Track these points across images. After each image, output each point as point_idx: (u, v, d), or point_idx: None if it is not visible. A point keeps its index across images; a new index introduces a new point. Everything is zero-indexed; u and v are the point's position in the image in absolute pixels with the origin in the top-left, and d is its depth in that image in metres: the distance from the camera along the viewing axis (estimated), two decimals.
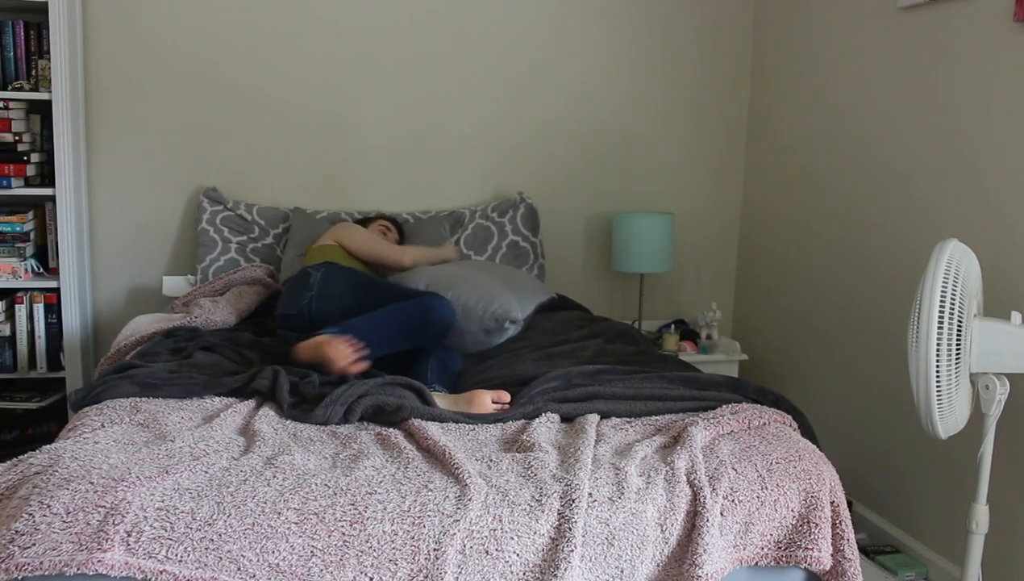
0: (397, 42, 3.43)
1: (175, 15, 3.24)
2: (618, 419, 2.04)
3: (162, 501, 1.56)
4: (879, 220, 2.89)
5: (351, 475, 1.69)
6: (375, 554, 1.57)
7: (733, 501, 1.75)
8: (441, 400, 2.16)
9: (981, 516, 2.06)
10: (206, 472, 1.67)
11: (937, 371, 1.88)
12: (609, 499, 1.69)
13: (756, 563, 1.78)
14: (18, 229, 3.06)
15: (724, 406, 2.06)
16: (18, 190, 3.03)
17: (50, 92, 3.00)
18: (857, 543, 1.91)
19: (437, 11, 3.44)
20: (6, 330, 3.08)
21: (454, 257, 3.08)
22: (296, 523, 1.57)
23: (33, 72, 3.07)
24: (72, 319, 3.12)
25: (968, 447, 2.46)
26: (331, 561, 1.56)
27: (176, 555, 1.51)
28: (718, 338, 3.58)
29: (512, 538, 1.62)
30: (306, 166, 3.42)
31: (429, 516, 1.61)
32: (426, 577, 1.57)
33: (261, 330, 2.71)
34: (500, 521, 1.63)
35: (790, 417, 2.09)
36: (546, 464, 1.76)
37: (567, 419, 2.05)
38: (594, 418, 2.00)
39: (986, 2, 2.43)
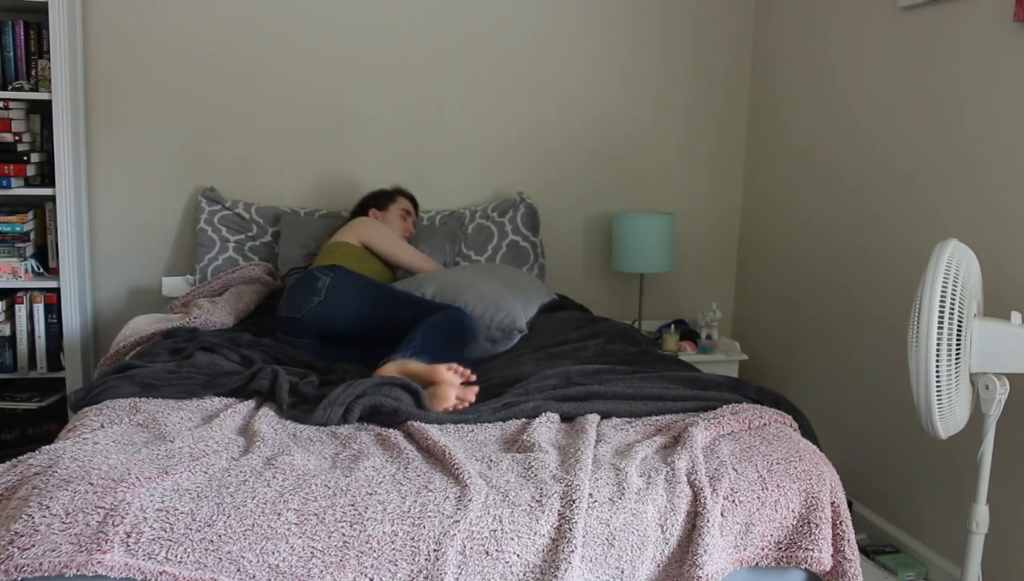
0: (396, 43, 3.43)
1: (175, 15, 3.24)
2: (618, 419, 2.03)
3: (162, 502, 1.56)
4: (879, 220, 2.89)
5: (351, 476, 1.69)
6: (375, 555, 1.57)
7: (733, 501, 1.75)
8: (396, 366, 2.16)
9: (981, 516, 2.06)
10: (206, 473, 1.67)
11: (937, 371, 1.88)
12: (609, 499, 1.69)
13: (756, 563, 1.78)
14: (18, 229, 3.06)
15: (724, 406, 2.06)
16: (18, 190, 3.03)
17: (50, 92, 3.00)
18: (857, 543, 1.91)
19: (437, 11, 3.44)
20: (6, 330, 3.08)
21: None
22: (296, 524, 1.57)
23: (33, 72, 3.07)
24: (72, 319, 3.12)
25: (968, 447, 2.46)
26: (331, 562, 1.56)
27: (176, 556, 1.51)
28: (718, 338, 3.58)
29: (512, 539, 1.62)
30: (305, 166, 3.42)
31: (429, 517, 1.61)
32: (426, 578, 1.57)
33: (261, 330, 2.71)
34: (500, 521, 1.63)
35: (790, 417, 2.08)
36: (546, 464, 1.76)
37: (567, 419, 2.05)
38: (594, 418, 2.00)
39: (986, 2, 2.43)
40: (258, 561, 1.53)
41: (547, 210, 3.61)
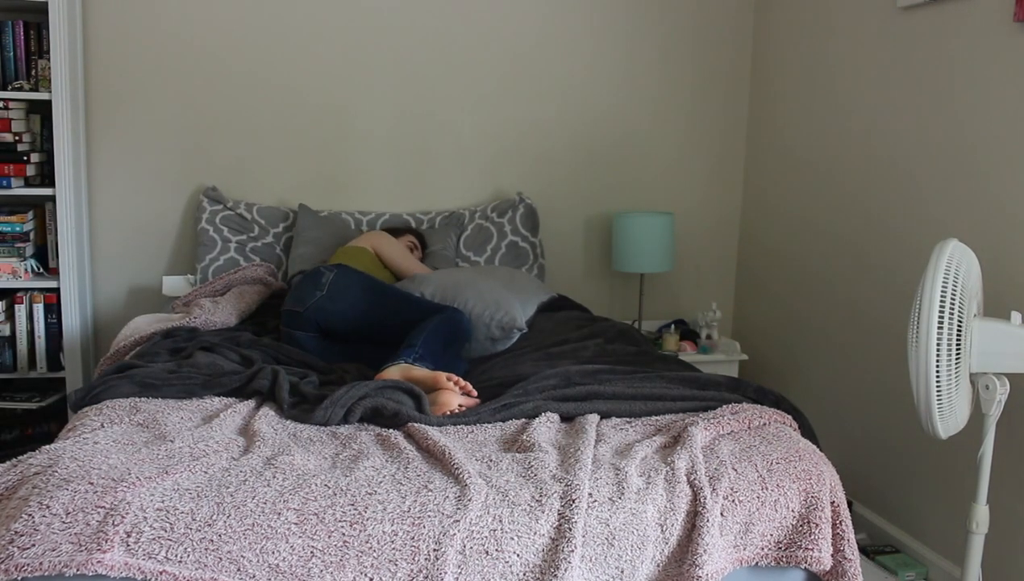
0: (397, 43, 3.43)
1: (175, 15, 3.24)
2: (618, 419, 2.04)
3: (162, 501, 1.56)
4: (879, 220, 2.89)
5: (351, 475, 1.69)
6: (375, 554, 1.57)
7: (733, 501, 1.75)
8: (399, 371, 2.18)
9: (981, 516, 2.06)
10: (206, 472, 1.67)
11: (937, 371, 1.88)
12: (609, 499, 1.69)
13: (756, 563, 1.78)
14: (18, 229, 3.06)
15: (724, 406, 2.06)
16: (18, 190, 3.02)
17: (50, 92, 3.00)
18: (857, 543, 1.91)
19: (437, 12, 3.44)
20: (6, 330, 3.08)
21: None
22: (296, 523, 1.57)
23: (33, 72, 3.07)
24: (72, 319, 3.12)
25: (968, 447, 2.46)
26: (331, 561, 1.56)
27: (176, 556, 1.51)
28: (718, 338, 3.58)
29: (512, 538, 1.62)
30: (305, 166, 3.42)
31: (429, 516, 1.61)
32: (426, 577, 1.57)
33: (262, 330, 2.71)
34: (500, 521, 1.63)
35: (790, 417, 2.08)
36: (546, 464, 1.76)
37: (567, 419, 2.05)
38: (594, 418, 2.00)
39: (986, 2, 2.43)
40: (258, 561, 1.53)
41: (547, 210, 3.61)
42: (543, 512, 1.65)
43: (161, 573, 1.49)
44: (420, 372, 2.20)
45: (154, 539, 1.51)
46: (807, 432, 2.11)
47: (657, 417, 2.05)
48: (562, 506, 1.66)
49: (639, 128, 3.68)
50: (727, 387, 2.21)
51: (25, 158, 3.01)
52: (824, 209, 3.20)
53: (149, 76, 3.26)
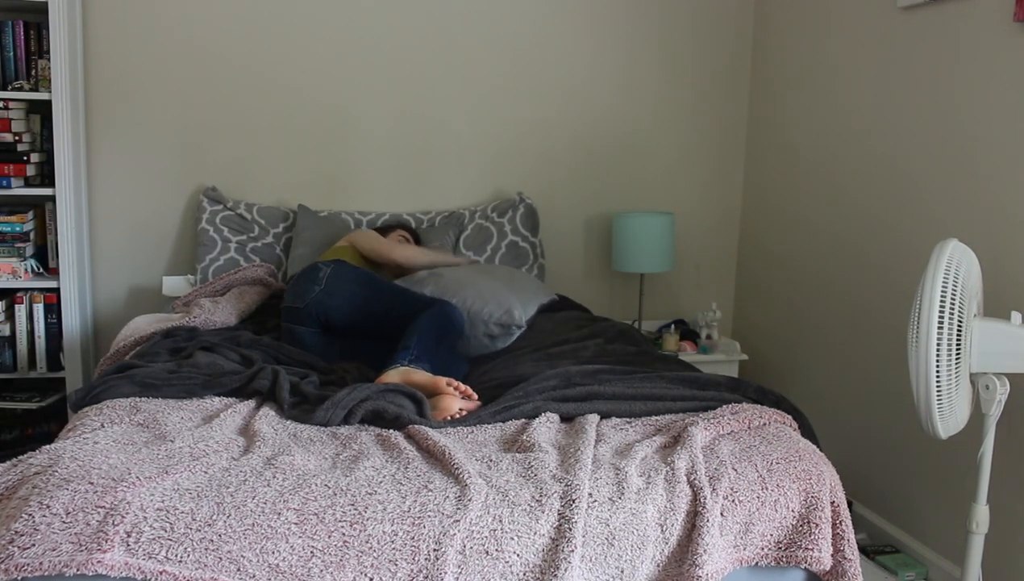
0: (397, 42, 3.43)
1: (175, 15, 3.24)
2: (618, 419, 2.04)
3: (162, 501, 1.56)
4: (878, 219, 2.89)
5: (351, 475, 1.69)
6: (375, 554, 1.57)
7: (733, 501, 1.75)
8: (399, 375, 2.20)
9: (981, 516, 2.06)
10: (206, 472, 1.67)
11: (937, 371, 1.88)
12: (609, 499, 1.69)
13: (756, 563, 1.78)
14: (18, 229, 3.06)
15: (724, 406, 2.06)
16: (18, 190, 3.03)
17: (50, 92, 3.00)
18: (857, 543, 1.91)
19: (437, 12, 3.44)
20: (6, 330, 3.08)
21: (460, 262, 3.07)
22: (296, 523, 1.57)
23: (33, 72, 3.07)
24: (72, 319, 3.12)
25: (968, 447, 2.46)
26: (331, 561, 1.56)
27: (176, 555, 1.51)
28: (718, 338, 3.58)
29: (512, 538, 1.62)
30: (306, 166, 3.42)
31: (429, 516, 1.61)
32: (426, 577, 1.57)
33: (261, 330, 2.71)
34: (500, 521, 1.63)
35: (790, 417, 2.08)
36: (546, 464, 1.76)
37: (567, 419, 2.05)
38: (594, 418, 2.00)
39: (986, 2, 2.43)
40: (258, 560, 1.53)
41: (547, 210, 3.61)
42: (543, 512, 1.65)
43: (161, 573, 1.49)
44: (420, 376, 2.20)
45: (154, 539, 1.51)
46: (807, 432, 2.11)
47: (657, 417, 2.05)
48: (562, 506, 1.66)
49: (639, 128, 3.68)
50: (727, 387, 2.21)
51: (25, 158, 3.01)
52: (824, 209, 3.21)
53: (149, 76, 3.26)
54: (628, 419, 2.04)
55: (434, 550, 1.58)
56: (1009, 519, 2.36)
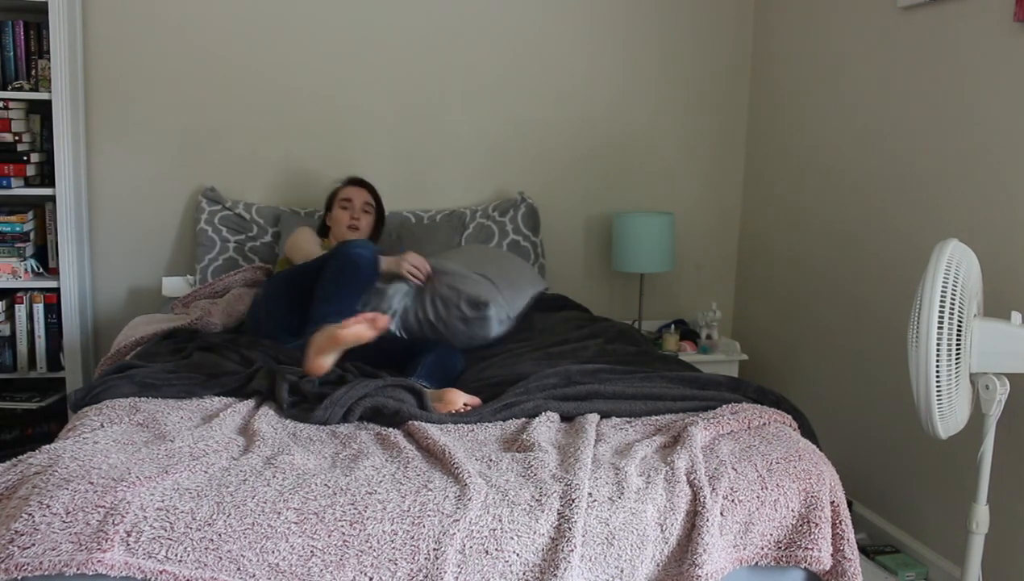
0: (397, 42, 3.43)
1: (175, 15, 3.24)
2: (618, 419, 2.04)
3: (162, 501, 1.56)
4: (879, 219, 2.89)
5: (351, 475, 1.69)
6: (375, 554, 1.57)
7: (733, 501, 1.75)
8: (324, 335, 2.18)
9: (981, 516, 2.06)
10: (206, 472, 1.67)
11: (937, 371, 1.88)
12: (609, 499, 1.69)
13: (756, 563, 1.78)
14: (18, 229, 3.06)
15: (724, 406, 2.06)
16: (18, 190, 3.02)
17: (50, 92, 3.00)
18: (857, 543, 1.91)
19: (437, 11, 3.44)
20: (6, 330, 3.08)
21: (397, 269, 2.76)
22: (296, 523, 1.57)
23: (33, 72, 3.07)
24: (72, 319, 3.11)
25: (968, 447, 2.46)
26: (331, 561, 1.56)
27: (176, 555, 1.51)
28: (718, 338, 3.58)
29: (512, 538, 1.62)
30: (305, 165, 3.42)
31: (429, 516, 1.61)
32: (426, 577, 1.57)
33: None
34: (500, 521, 1.63)
35: (790, 417, 2.08)
36: (546, 464, 1.76)
37: (567, 418, 2.05)
38: (594, 418, 2.00)
39: (986, 2, 2.43)
40: (258, 560, 1.53)
41: (547, 210, 3.61)
42: (543, 512, 1.65)
43: (161, 572, 1.49)
44: (331, 328, 2.12)
45: (154, 538, 1.52)
46: (807, 432, 2.10)
47: (657, 417, 2.05)
48: (562, 506, 1.66)
49: (639, 127, 3.67)
50: (727, 387, 2.21)
51: (25, 158, 3.01)
52: (824, 209, 3.20)
53: (149, 76, 3.26)
54: (628, 419, 2.04)
55: (434, 549, 1.58)
56: (1009, 519, 2.36)
